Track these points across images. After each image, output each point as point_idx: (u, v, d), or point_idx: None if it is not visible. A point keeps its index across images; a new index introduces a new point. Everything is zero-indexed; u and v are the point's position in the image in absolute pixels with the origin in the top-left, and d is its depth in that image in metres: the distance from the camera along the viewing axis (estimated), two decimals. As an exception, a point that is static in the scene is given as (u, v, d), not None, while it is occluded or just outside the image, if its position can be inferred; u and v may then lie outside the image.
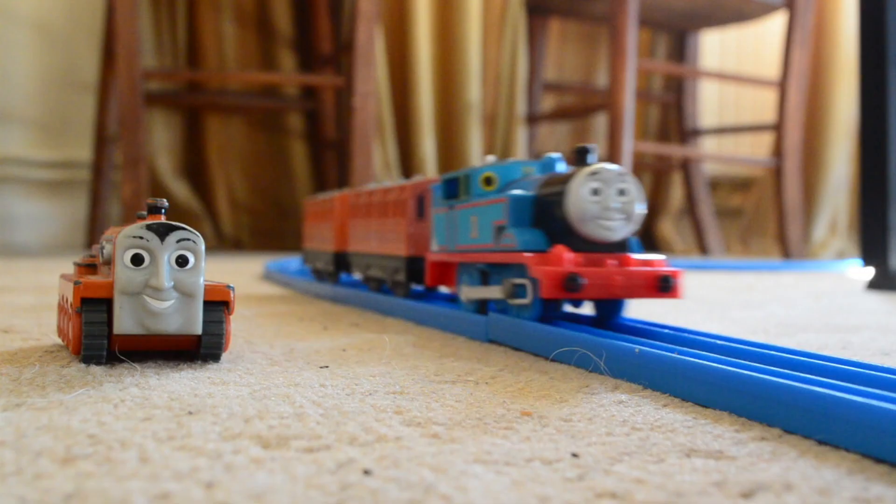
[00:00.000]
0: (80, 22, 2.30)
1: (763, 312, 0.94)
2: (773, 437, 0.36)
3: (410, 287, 0.84)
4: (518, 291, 0.61)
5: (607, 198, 0.58)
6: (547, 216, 0.61)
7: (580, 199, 0.58)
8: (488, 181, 0.68)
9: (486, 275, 0.68)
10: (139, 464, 0.31)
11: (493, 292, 0.64)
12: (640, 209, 0.59)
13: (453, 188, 0.72)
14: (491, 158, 0.71)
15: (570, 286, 0.55)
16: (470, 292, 0.69)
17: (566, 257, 0.57)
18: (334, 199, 1.05)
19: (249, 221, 2.37)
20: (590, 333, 0.56)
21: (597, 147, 0.57)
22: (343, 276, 1.11)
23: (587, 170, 0.59)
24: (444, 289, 0.92)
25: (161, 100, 2.27)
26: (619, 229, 0.59)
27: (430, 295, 0.88)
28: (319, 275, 1.14)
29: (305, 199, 1.25)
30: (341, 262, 1.03)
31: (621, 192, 0.58)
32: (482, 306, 0.69)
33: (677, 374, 0.44)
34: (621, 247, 0.60)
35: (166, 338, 0.51)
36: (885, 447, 0.33)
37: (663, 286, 0.57)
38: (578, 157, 0.61)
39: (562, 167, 0.67)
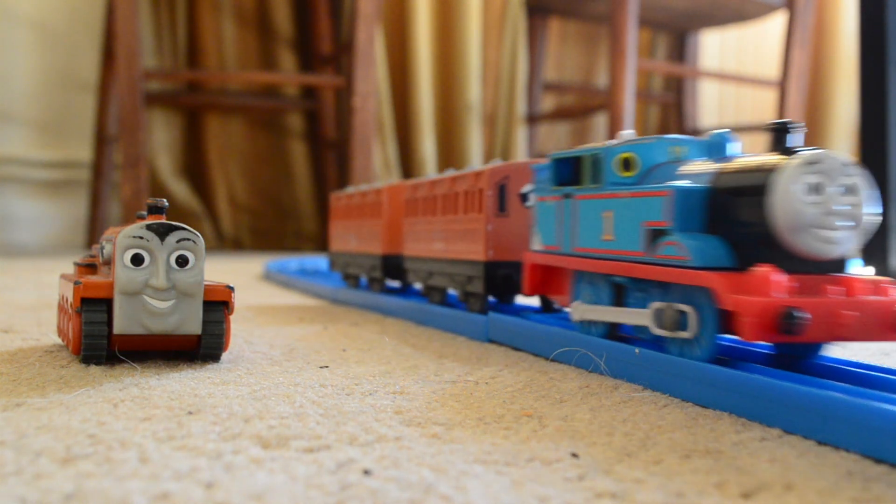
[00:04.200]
0: (80, 22, 2.30)
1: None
2: (773, 437, 0.36)
3: (487, 300, 0.69)
4: (681, 322, 0.45)
5: (830, 198, 0.42)
6: (727, 218, 0.45)
7: (793, 198, 0.42)
8: (626, 164, 0.52)
9: (621, 290, 0.52)
10: (139, 464, 0.31)
11: (637, 317, 0.49)
12: (873, 214, 0.43)
13: (569, 171, 0.56)
14: (628, 133, 0.54)
15: (788, 325, 0.39)
16: (591, 311, 0.54)
17: (776, 281, 0.41)
18: (382, 192, 0.89)
19: (249, 221, 2.37)
20: (590, 334, 0.56)
21: (803, 125, 0.45)
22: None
23: (803, 157, 0.43)
24: (522, 299, 0.78)
25: (161, 100, 2.27)
26: (844, 242, 0.43)
27: (506, 307, 0.72)
28: (354, 281, 0.99)
29: (332, 193, 1.10)
30: (391, 267, 0.88)
31: (848, 190, 0.43)
32: (606, 329, 0.54)
33: (677, 374, 0.44)
34: (838, 265, 0.44)
35: (166, 338, 0.51)
36: (885, 447, 0.33)
37: None
38: (776, 138, 0.45)
39: (734, 148, 0.51)
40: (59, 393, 0.42)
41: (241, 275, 1.35)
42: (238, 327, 0.70)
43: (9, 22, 2.24)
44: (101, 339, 0.49)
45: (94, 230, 2.15)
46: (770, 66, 2.80)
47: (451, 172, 0.76)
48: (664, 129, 2.83)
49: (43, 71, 2.28)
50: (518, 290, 0.67)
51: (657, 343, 0.49)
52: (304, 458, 0.32)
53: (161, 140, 2.30)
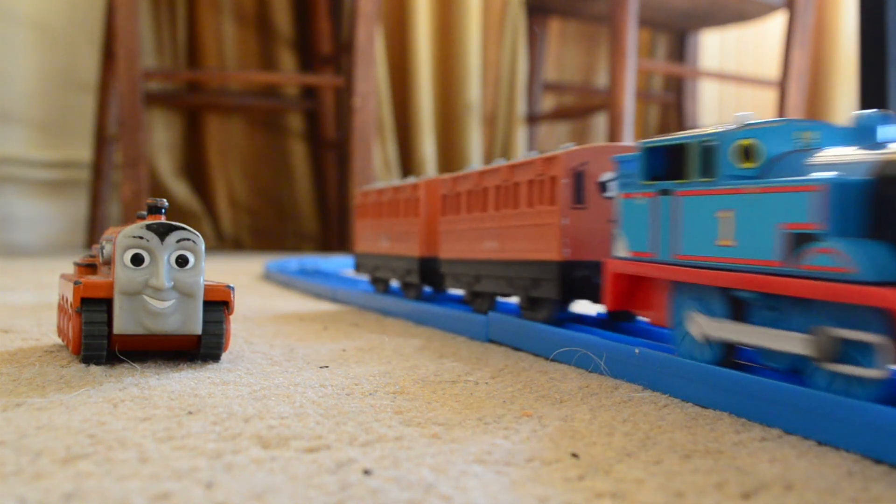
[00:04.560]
0: (80, 22, 2.30)
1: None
2: (773, 437, 0.36)
3: (554, 309, 0.60)
4: (859, 354, 0.36)
5: None
6: None
7: None
8: (747, 153, 0.43)
9: (740, 307, 0.43)
10: (139, 463, 0.31)
11: (789, 342, 0.39)
12: None
13: (666, 162, 0.47)
14: (747, 116, 0.44)
15: None
16: (724, 329, 0.43)
17: None
18: (419, 188, 0.80)
19: (249, 221, 2.37)
20: (590, 334, 0.56)
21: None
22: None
23: None
24: (577, 307, 0.67)
25: (161, 100, 2.27)
26: None
27: (568, 320, 0.63)
28: (383, 286, 0.91)
29: (358, 189, 1.00)
30: (430, 271, 0.79)
31: None
32: (722, 352, 0.44)
33: (677, 374, 0.44)
34: None
35: (166, 338, 0.51)
36: (885, 447, 0.33)
37: None
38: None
39: (889, 133, 0.41)
40: (59, 393, 0.42)
41: (241, 275, 1.35)
42: (238, 327, 0.70)
43: (9, 22, 2.24)
44: (101, 339, 0.49)
45: (94, 230, 2.15)
46: (770, 66, 2.80)
47: (500, 162, 0.68)
48: (664, 129, 2.83)
49: (43, 71, 2.28)
50: (597, 296, 0.57)
51: (794, 375, 0.41)
52: (304, 458, 0.32)
53: (161, 140, 2.30)
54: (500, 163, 0.67)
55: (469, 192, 0.71)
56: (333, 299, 0.97)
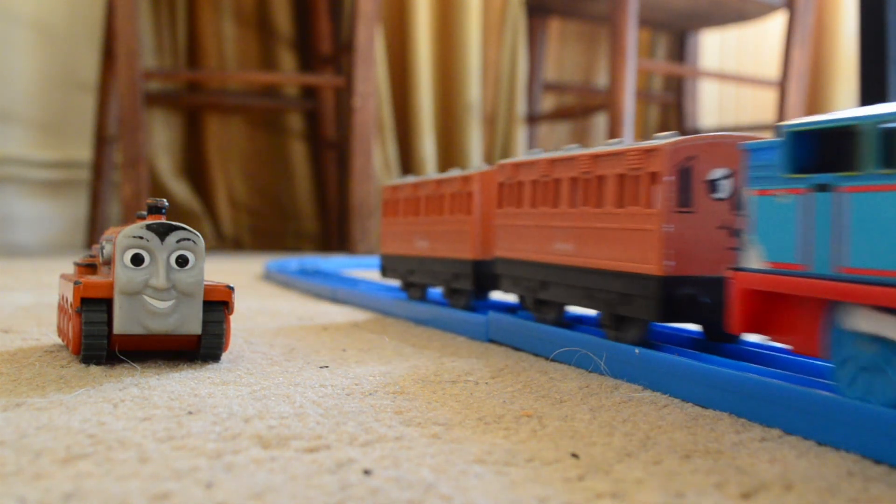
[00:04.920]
0: (80, 22, 2.30)
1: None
2: (773, 437, 0.36)
3: (645, 330, 0.51)
4: None
5: None
6: None
7: None
8: None
9: None
10: (139, 463, 0.31)
11: None
12: None
13: (821, 150, 0.39)
14: None
15: None
16: None
17: None
18: (472, 180, 0.71)
19: (249, 221, 2.37)
20: (590, 334, 0.56)
21: None
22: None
23: None
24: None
25: (161, 100, 2.27)
26: None
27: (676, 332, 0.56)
28: (419, 292, 0.82)
29: (385, 184, 0.91)
30: (485, 277, 0.70)
31: None
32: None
33: (677, 375, 0.44)
34: None
35: (166, 338, 0.51)
36: (885, 448, 0.33)
37: None
38: None
39: None
40: (59, 393, 0.42)
41: (241, 275, 1.35)
42: (238, 327, 0.70)
43: (9, 22, 2.24)
44: (101, 339, 0.49)
45: (94, 230, 2.15)
46: (770, 66, 2.80)
47: (574, 149, 0.58)
48: (664, 129, 2.83)
49: (43, 71, 2.28)
50: (701, 317, 0.49)
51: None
52: (304, 458, 0.32)
53: (161, 140, 2.30)
54: (574, 149, 0.58)
55: (535, 183, 0.61)
56: (333, 299, 0.97)
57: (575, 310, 0.66)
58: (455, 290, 0.74)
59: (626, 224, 0.51)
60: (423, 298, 0.81)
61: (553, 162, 0.59)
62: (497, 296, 0.81)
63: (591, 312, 0.64)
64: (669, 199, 0.48)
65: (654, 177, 0.49)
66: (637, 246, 0.50)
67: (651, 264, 0.49)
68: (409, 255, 0.82)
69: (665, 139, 0.49)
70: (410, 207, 0.83)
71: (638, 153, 0.50)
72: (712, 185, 0.50)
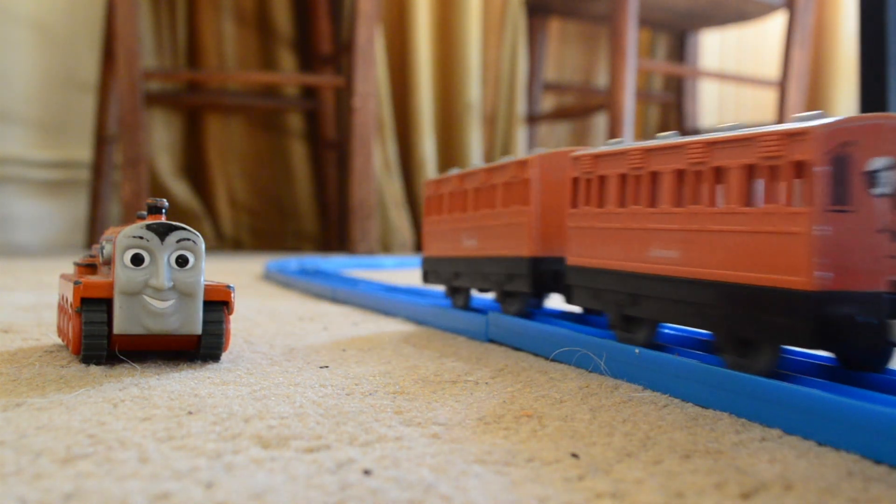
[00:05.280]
0: (80, 22, 2.30)
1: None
2: (773, 437, 0.36)
3: (778, 353, 0.42)
4: None
5: None
6: None
7: None
8: None
9: None
10: (139, 463, 0.31)
11: None
12: None
13: None
14: None
15: None
16: None
17: None
18: (529, 166, 0.61)
19: (249, 221, 2.37)
20: (590, 333, 0.56)
21: None
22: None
23: None
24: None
25: (161, 100, 2.27)
26: None
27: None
28: (464, 299, 0.73)
29: (427, 180, 0.81)
30: (545, 277, 0.61)
31: None
32: None
33: (677, 375, 0.44)
34: None
35: (166, 338, 0.51)
36: (885, 448, 0.33)
37: None
38: None
39: None
40: (59, 393, 0.42)
41: (241, 275, 1.35)
42: (238, 327, 0.70)
43: (9, 22, 2.24)
44: (101, 339, 0.49)
45: (94, 230, 2.15)
46: (770, 66, 2.80)
47: (673, 135, 0.50)
48: (664, 128, 2.83)
49: (43, 71, 2.28)
50: (860, 341, 0.39)
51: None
52: (304, 458, 0.32)
53: (161, 140, 2.30)
54: (672, 137, 0.50)
55: (623, 177, 0.52)
56: (333, 299, 0.97)
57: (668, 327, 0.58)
58: (508, 293, 0.65)
59: (759, 226, 0.42)
60: (466, 306, 0.72)
61: (648, 152, 0.50)
62: (556, 302, 0.72)
63: (691, 329, 0.55)
64: (823, 194, 0.39)
65: (799, 167, 0.40)
66: (779, 252, 0.41)
67: (799, 277, 0.39)
68: (454, 256, 0.73)
69: (814, 120, 0.40)
70: (456, 203, 0.73)
71: (777, 138, 0.41)
72: (872, 178, 0.40)
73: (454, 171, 0.75)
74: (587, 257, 0.55)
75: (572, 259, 0.57)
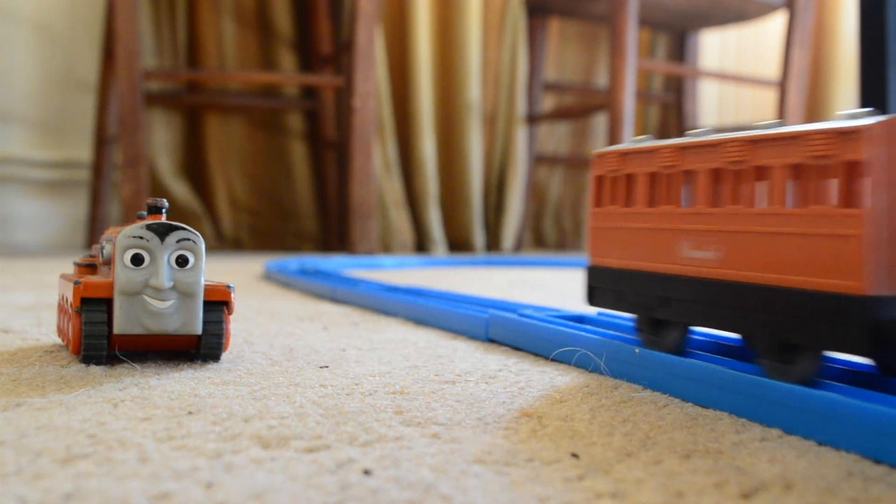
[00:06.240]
0: (80, 22, 2.30)
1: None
2: (773, 437, 0.36)
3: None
4: None
5: None
6: None
7: None
8: None
9: None
10: (139, 463, 0.31)
11: None
12: None
13: None
14: None
15: None
16: None
17: None
18: (862, 136, 0.37)
19: (249, 221, 2.37)
20: (590, 333, 0.55)
21: None
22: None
23: None
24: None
25: (161, 100, 2.27)
26: None
27: None
28: (673, 335, 0.49)
29: (600, 151, 0.54)
30: (891, 330, 0.36)
31: None
32: None
33: (677, 374, 0.44)
34: None
35: (166, 338, 0.51)
36: (885, 448, 0.33)
37: None
38: None
39: None
40: (59, 393, 0.42)
41: (241, 275, 1.35)
42: (238, 327, 0.70)
43: (9, 22, 2.24)
44: (101, 339, 0.49)
45: (94, 230, 2.15)
46: (770, 66, 2.80)
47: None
48: (664, 128, 2.83)
49: (43, 71, 2.28)
50: None
51: None
52: (304, 458, 0.32)
53: (161, 140, 2.30)
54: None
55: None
56: (333, 299, 0.97)
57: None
58: (797, 348, 0.41)
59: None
60: (680, 350, 0.49)
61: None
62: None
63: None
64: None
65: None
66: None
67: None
68: (661, 272, 0.49)
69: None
70: (666, 188, 0.49)
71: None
72: None
73: (644, 140, 0.52)
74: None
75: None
